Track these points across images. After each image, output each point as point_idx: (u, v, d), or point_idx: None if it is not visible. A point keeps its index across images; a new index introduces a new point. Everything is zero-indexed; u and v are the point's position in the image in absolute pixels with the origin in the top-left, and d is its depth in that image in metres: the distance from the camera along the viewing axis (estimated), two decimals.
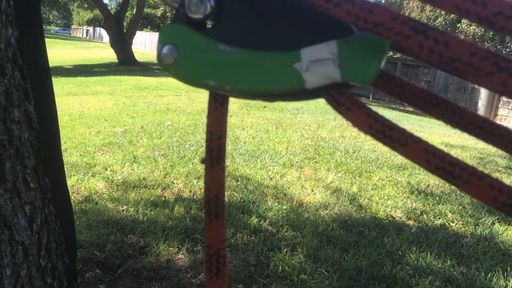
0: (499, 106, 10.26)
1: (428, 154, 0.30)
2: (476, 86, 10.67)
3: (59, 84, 9.47)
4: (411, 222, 2.77)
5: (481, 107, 10.48)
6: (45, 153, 0.74)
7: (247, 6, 0.37)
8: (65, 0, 15.74)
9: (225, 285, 0.42)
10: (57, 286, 0.78)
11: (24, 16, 0.66)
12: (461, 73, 0.29)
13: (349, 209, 2.92)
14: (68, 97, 7.56)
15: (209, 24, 0.38)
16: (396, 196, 3.21)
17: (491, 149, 5.09)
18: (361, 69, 0.33)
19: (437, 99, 0.38)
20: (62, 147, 3.99)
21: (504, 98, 10.29)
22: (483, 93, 10.42)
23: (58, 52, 23.67)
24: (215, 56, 0.37)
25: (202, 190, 3.05)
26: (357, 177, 3.59)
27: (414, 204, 3.07)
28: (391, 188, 3.37)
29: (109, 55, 19.85)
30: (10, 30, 0.68)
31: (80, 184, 3.06)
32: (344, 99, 0.34)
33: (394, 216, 2.86)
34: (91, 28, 47.02)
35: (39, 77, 0.70)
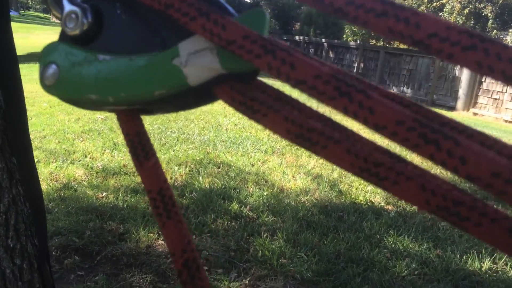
0: (479, 94, 10.41)
1: (350, 155, 0.27)
2: (456, 74, 10.81)
3: (38, 70, 9.29)
4: (389, 207, 2.82)
5: (462, 95, 10.62)
6: (11, 133, 0.73)
7: (127, 12, 0.35)
8: None
9: (183, 226, 0.36)
10: (27, 267, 0.77)
11: None
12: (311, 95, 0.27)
13: (329, 195, 2.95)
14: None
15: (90, 37, 0.36)
16: None
17: None
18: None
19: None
20: (41, 134, 3.93)
21: (484, 87, 10.45)
22: (464, 81, 10.56)
23: (37, 37, 23.15)
24: (95, 67, 0.35)
25: (183, 177, 3.05)
26: None
27: None
28: None
29: None
30: None
31: (59, 171, 3.03)
32: (258, 105, 0.30)
33: (373, 201, 2.90)
34: None
35: (5, 61, 0.69)
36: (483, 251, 2.29)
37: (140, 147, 0.37)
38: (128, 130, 0.37)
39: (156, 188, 0.36)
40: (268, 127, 0.31)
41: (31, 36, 22.38)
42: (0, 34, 0.68)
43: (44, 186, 2.78)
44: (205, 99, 0.35)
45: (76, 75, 0.35)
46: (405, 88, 12.00)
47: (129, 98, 0.34)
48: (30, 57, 13.40)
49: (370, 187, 3.13)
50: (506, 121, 9.71)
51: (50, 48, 0.37)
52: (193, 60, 0.31)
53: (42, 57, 0.37)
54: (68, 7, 0.35)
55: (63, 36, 0.37)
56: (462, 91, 10.70)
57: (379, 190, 3.07)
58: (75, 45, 0.36)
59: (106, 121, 4.50)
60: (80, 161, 3.29)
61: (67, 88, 0.36)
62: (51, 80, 0.36)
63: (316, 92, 0.26)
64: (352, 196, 2.95)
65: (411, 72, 11.85)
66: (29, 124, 3.39)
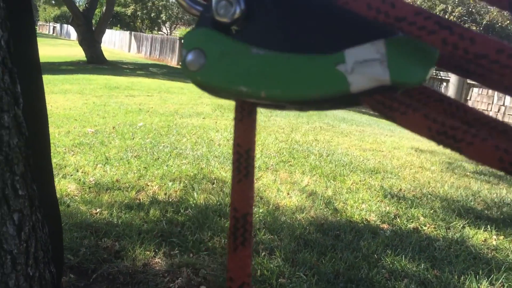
0: (468, 98, 10.62)
1: (499, 152, 0.28)
2: (448, 75, 10.99)
3: None
4: (385, 226, 2.82)
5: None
6: (33, 159, 0.71)
7: (278, 6, 0.34)
8: None
9: (250, 258, 0.36)
10: None
11: (16, 17, 0.63)
12: (485, 71, 0.29)
13: (325, 213, 2.94)
14: None
15: (234, 30, 0.35)
16: (370, 200, 3.25)
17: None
18: (411, 70, 0.31)
19: (504, 126, 0.35)
20: None
21: (470, 103, 10.65)
22: (451, 88, 10.76)
23: None
24: (248, 61, 0.34)
25: (177, 193, 3.02)
26: (331, 181, 3.63)
27: (387, 208, 3.13)
28: (365, 192, 3.42)
29: (77, 53, 19.38)
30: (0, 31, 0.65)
31: None
32: (397, 104, 0.31)
33: (368, 219, 2.90)
34: (58, 25, 45.82)
35: (29, 79, 0.67)
36: (480, 272, 2.30)
37: (245, 164, 0.37)
38: (241, 141, 0.37)
39: (243, 209, 0.36)
40: (406, 126, 0.31)
41: None
42: (26, 53, 0.67)
43: None
44: (350, 103, 0.35)
45: (226, 65, 0.35)
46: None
47: (283, 95, 0.34)
48: None
49: (365, 205, 3.13)
50: None
51: (195, 34, 0.36)
52: (360, 69, 0.31)
53: (187, 42, 0.36)
54: None
55: (204, 21, 0.36)
56: (450, 93, 10.88)
57: (374, 208, 3.08)
58: (221, 33, 0.35)
59: (97, 135, 4.45)
60: (72, 175, 3.24)
61: (215, 77, 0.35)
62: (196, 66, 0.36)
63: (499, 66, 0.26)
64: (348, 214, 2.95)
65: None
66: None
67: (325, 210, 2.99)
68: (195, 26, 0.37)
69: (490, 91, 10.71)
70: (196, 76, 0.36)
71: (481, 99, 10.41)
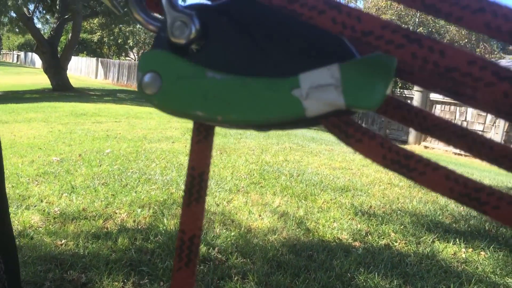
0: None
1: (449, 181, 0.28)
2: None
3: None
4: (357, 244, 2.82)
5: (412, 130, 11.02)
6: None
7: (234, 28, 0.34)
8: None
9: (193, 278, 0.37)
10: None
11: None
12: (457, 86, 0.28)
13: (297, 233, 2.93)
14: None
15: (194, 49, 0.35)
16: (341, 218, 3.26)
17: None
18: (367, 94, 0.30)
19: (463, 131, 0.36)
20: None
21: (436, 107, 11.01)
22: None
23: None
24: (204, 84, 0.33)
25: (147, 219, 2.95)
26: (302, 201, 3.62)
27: (359, 226, 3.14)
28: (336, 210, 3.43)
29: (42, 80, 19.02)
30: None
31: (13, 218, 2.85)
32: (352, 130, 0.31)
33: (341, 238, 2.90)
34: (22, 53, 45.00)
35: None
36: (452, 286, 2.32)
37: (197, 188, 0.36)
38: (195, 164, 0.36)
39: (190, 232, 0.36)
40: (361, 153, 0.31)
41: None
42: None
43: None
44: (309, 125, 0.35)
45: (182, 89, 0.34)
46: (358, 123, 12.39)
47: (239, 120, 0.33)
48: None
49: (336, 224, 3.14)
50: (455, 153, 10.16)
51: (151, 55, 0.35)
52: (314, 94, 0.31)
53: (142, 64, 0.35)
54: (173, 14, 0.34)
55: (160, 43, 0.35)
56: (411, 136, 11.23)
57: (345, 226, 3.09)
58: (177, 55, 0.34)
59: (63, 163, 4.33)
60: (35, 206, 3.12)
61: (171, 101, 0.35)
62: (152, 90, 0.35)
63: (471, 79, 0.25)
64: (320, 234, 2.94)
65: None
66: None
67: (297, 230, 2.97)
68: (151, 47, 0.36)
69: (452, 107, 11.09)
70: (152, 99, 0.35)
71: (444, 115, 10.75)
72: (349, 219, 3.26)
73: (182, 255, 0.36)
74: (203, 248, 2.53)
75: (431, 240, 2.98)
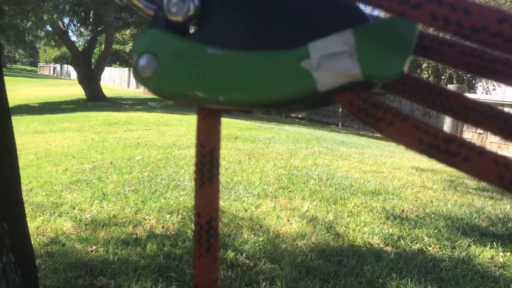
0: (463, 129, 10.57)
1: (499, 167, 0.24)
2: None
3: (24, 123, 9.24)
4: (389, 248, 2.74)
5: (447, 131, 10.76)
6: (2, 196, 0.67)
7: (236, 1, 0.31)
8: (31, 38, 15.63)
9: (216, 263, 0.34)
10: None
11: None
12: (487, 47, 0.24)
13: (326, 238, 2.87)
14: (34, 135, 7.36)
15: (191, 29, 0.33)
16: (372, 222, 3.18)
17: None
18: (385, 61, 0.27)
19: (493, 111, 0.32)
20: (27, 187, 3.83)
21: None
22: (448, 117, 10.73)
23: (24, 90, 23.23)
24: (203, 62, 0.31)
25: (176, 225, 2.96)
26: (332, 205, 3.56)
27: (390, 230, 3.05)
28: (366, 215, 3.35)
29: (77, 91, 19.59)
30: None
31: (46, 225, 2.92)
32: (382, 112, 0.27)
33: (371, 243, 2.82)
34: (58, 66, 46.54)
35: None
36: None
37: (209, 166, 0.33)
38: (204, 141, 0.33)
39: (207, 216, 0.34)
40: (393, 138, 0.27)
41: (18, 89, 22.45)
42: None
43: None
44: (321, 104, 0.32)
45: (180, 69, 0.32)
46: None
47: (243, 99, 0.30)
48: (16, 110, 13.36)
49: (367, 228, 3.06)
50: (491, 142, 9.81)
51: (146, 36, 0.33)
52: (327, 64, 0.28)
53: (137, 45, 0.33)
54: None
55: (157, 22, 0.33)
56: (446, 127, 10.83)
57: (376, 231, 3.01)
58: (175, 33, 0.32)
59: (95, 171, 4.42)
60: (68, 213, 3.19)
61: (169, 83, 0.32)
62: (148, 72, 0.33)
63: (501, 40, 0.22)
64: (350, 238, 2.88)
65: None
66: None
67: (326, 235, 2.92)
68: (148, 27, 0.34)
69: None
70: (149, 83, 0.33)
71: None
72: (381, 223, 3.18)
73: (201, 241, 0.34)
74: (230, 254, 2.51)
75: (467, 244, 2.86)
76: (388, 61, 0.27)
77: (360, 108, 0.28)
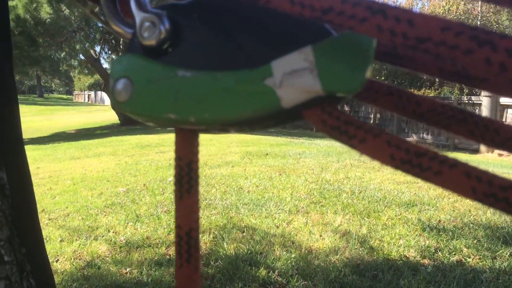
0: (504, 120, 10.23)
1: (471, 180, 0.24)
2: None
3: (62, 149, 9.54)
4: (426, 261, 2.66)
5: None
6: (20, 222, 0.70)
7: (206, 23, 0.32)
8: (66, 68, 16.26)
9: (197, 274, 0.35)
10: None
11: None
12: (433, 57, 0.24)
13: (360, 252, 2.81)
14: (71, 161, 7.58)
15: (165, 50, 0.33)
16: (407, 235, 3.10)
17: None
18: (345, 76, 0.28)
19: (464, 114, 0.32)
20: (64, 212, 3.94)
21: (509, 112, 10.30)
22: (484, 112, 10.42)
23: (61, 118, 24.08)
24: (174, 84, 0.32)
25: (207, 245, 2.97)
26: (365, 218, 3.50)
27: (427, 242, 2.96)
28: (401, 227, 3.27)
29: (111, 117, 20.15)
30: None
31: (83, 249, 2.99)
32: (353, 129, 0.28)
33: (407, 256, 2.75)
34: (92, 93, 48.07)
35: (11, 145, 0.67)
36: None
37: (187, 178, 0.34)
38: (181, 154, 0.34)
39: (186, 226, 0.34)
40: (366, 154, 0.28)
41: (55, 118, 23.29)
42: (3, 120, 0.67)
43: (67, 265, 2.74)
44: (290, 120, 0.32)
45: (153, 93, 0.33)
46: (425, 135, 11.88)
47: (212, 119, 0.31)
48: (54, 138, 13.86)
49: (402, 241, 2.98)
50: None
51: (121, 61, 0.34)
52: (289, 81, 0.29)
53: (113, 71, 0.34)
54: (141, 14, 0.33)
55: (133, 47, 0.34)
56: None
57: (412, 243, 2.93)
58: (149, 58, 0.33)
59: (128, 193, 4.51)
60: (103, 236, 3.25)
61: (143, 106, 0.33)
62: (124, 96, 0.34)
63: (446, 48, 0.22)
64: (385, 252, 2.81)
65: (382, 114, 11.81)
66: (53, 202, 3.41)
67: (360, 249, 2.86)
68: (126, 52, 0.35)
69: None
70: (125, 107, 0.34)
71: None
72: (416, 235, 3.09)
73: (181, 251, 0.34)
74: (262, 272, 2.49)
75: (508, 253, 2.74)
76: (347, 75, 0.28)
77: (333, 126, 0.28)
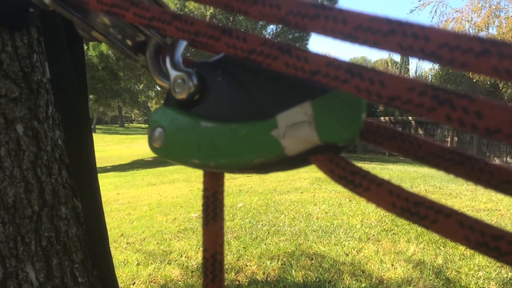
0: None
1: (464, 229, 0.26)
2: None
3: (140, 176, 10.05)
4: None
5: None
6: (93, 247, 0.77)
7: (227, 79, 0.37)
8: (144, 99, 17.28)
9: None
10: None
11: (69, 119, 0.72)
12: (404, 112, 0.27)
13: (435, 284, 2.67)
14: (148, 187, 7.96)
15: (195, 103, 0.38)
16: (488, 266, 2.90)
17: None
18: (340, 127, 0.31)
19: (461, 157, 0.34)
20: (141, 237, 4.13)
21: None
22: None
23: (140, 146, 25.42)
24: (198, 134, 0.37)
25: (276, 271, 2.97)
26: (441, 247, 3.32)
27: (510, 274, 2.75)
28: (481, 258, 3.07)
29: None
30: (57, 132, 0.75)
31: (157, 273, 3.11)
32: (359, 179, 0.31)
33: None
34: None
35: (85, 175, 0.75)
36: None
37: (212, 207, 0.39)
38: (208, 185, 0.39)
39: (212, 250, 0.38)
40: (371, 201, 0.31)
41: (135, 146, 24.62)
42: (80, 151, 0.75)
43: None
44: (301, 165, 0.36)
45: (181, 140, 0.38)
46: (508, 158, 11.11)
47: (229, 164, 0.36)
48: (133, 165, 14.64)
49: (481, 273, 2.79)
50: None
51: (157, 113, 0.40)
52: (290, 132, 0.32)
53: (151, 121, 0.40)
54: (174, 73, 0.39)
55: (169, 100, 0.40)
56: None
57: (493, 275, 2.73)
58: (180, 109, 0.39)
59: (200, 219, 4.63)
60: (176, 261, 3.37)
61: (173, 152, 0.39)
62: (159, 143, 0.39)
63: (412, 106, 0.25)
64: (462, 284, 2.64)
65: (441, 138, 11.06)
66: (131, 227, 3.60)
67: (435, 280, 2.72)
68: (163, 104, 0.40)
69: None
70: (159, 152, 0.39)
71: None
72: (498, 267, 2.88)
73: (207, 272, 0.38)
74: None
75: None
76: (342, 127, 0.31)
77: (340, 176, 0.31)
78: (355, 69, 0.27)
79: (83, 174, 0.74)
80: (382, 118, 15.26)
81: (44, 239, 0.69)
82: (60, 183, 0.73)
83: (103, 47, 13.58)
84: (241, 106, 0.35)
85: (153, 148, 0.40)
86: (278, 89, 0.34)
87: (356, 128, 0.31)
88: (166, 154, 0.39)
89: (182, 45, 0.41)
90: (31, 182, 0.68)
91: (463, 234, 0.26)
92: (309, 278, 2.82)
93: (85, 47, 14.19)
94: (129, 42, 0.45)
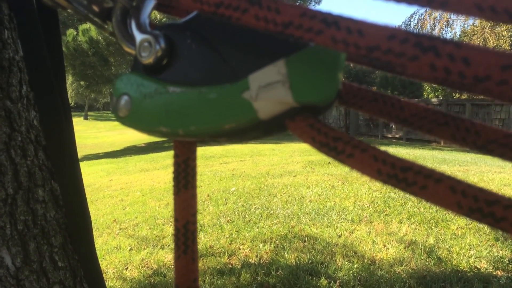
0: None
1: (456, 195, 0.24)
2: None
3: (132, 162, 10.01)
4: (499, 273, 2.49)
5: None
6: (76, 232, 0.75)
7: (197, 41, 0.34)
8: None
9: (194, 264, 0.37)
10: None
11: (45, 100, 0.70)
12: (386, 65, 0.24)
13: (427, 263, 2.69)
14: (140, 173, 7.93)
15: (163, 67, 0.36)
16: (479, 245, 2.92)
17: None
18: (316, 87, 0.28)
19: (445, 117, 0.32)
20: (134, 222, 4.12)
21: None
22: None
23: (133, 132, 25.28)
24: (166, 100, 0.34)
25: (268, 254, 2.98)
26: (433, 227, 3.34)
27: (500, 252, 2.77)
28: (472, 237, 3.09)
29: None
30: (32, 112, 0.72)
31: (150, 258, 3.11)
32: (342, 145, 0.28)
33: (478, 267, 2.59)
34: None
35: (65, 157, 0.72)
36: None
37: (184, 174, 0.36)
38: (179, 152, 0.37)
39: (183, 219, 0.36)
40: (355, 168, 0.28)
41: (127, 132, 24.48)
42: (56, 134, 0.72)
43: (136, 273, 2.86)
44: (276, 131, 0.33)
45: (147, 107, 0.35)
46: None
47: (198, 131, 0.33)
48: (125, 151, 14.58)
49: (473, 251, 2.82)
50: None
51: (122, 80, 0.38)
52: (264, 93, 0.30)
53: (115, 89, 0.38)
54: (139, 36, 0.36)
55: (136, 66, 0.37)
56: None
57: (484, 254, 2.76)
58: (147, 75, 0.36)
59: None
60: (169, 245, 3.36)
61: (140, 120, 0.36)
62: (125, 112, 0.37)
63: (393, 56, 0.22)
64: (454, 263, 2.66)
65: (504, 121, 11.06)
66: (124, 213, 3.58)
67: (427, 260, 2.74)
68: (130, 71, 0.38)
69: None
70: (125, 121, 0.37)
71: None
72: (489, 246, 2.90)
73: (179, 243, 0.37)
74: (323, 282, 2.46)
75: None
76: (318, 86, 0.28)
77: (322, 142, 0.29)
78: (330, 19, 0.24)
79: (62, 156, 0.71)
80: (434, 100, 14.49)
81: (20, 222, 0.66)
82: (37, 165, 0.71)
83: (93, 32, 13.40)
84: (211, 69, 0.33)
85: (118, 118, 0.37)
86: (249, 48, 0.31)
87: (333, 88, 0.28)
88: (132, 123, 0.36)
89: (149, 5, 0.38)
90: (4, 164, 0.65)
91: (454, 200, 0.24)
92: (302, 260, 2.83)
93: (75, 33, 14.00)
94: (95, 8, 0.42)
